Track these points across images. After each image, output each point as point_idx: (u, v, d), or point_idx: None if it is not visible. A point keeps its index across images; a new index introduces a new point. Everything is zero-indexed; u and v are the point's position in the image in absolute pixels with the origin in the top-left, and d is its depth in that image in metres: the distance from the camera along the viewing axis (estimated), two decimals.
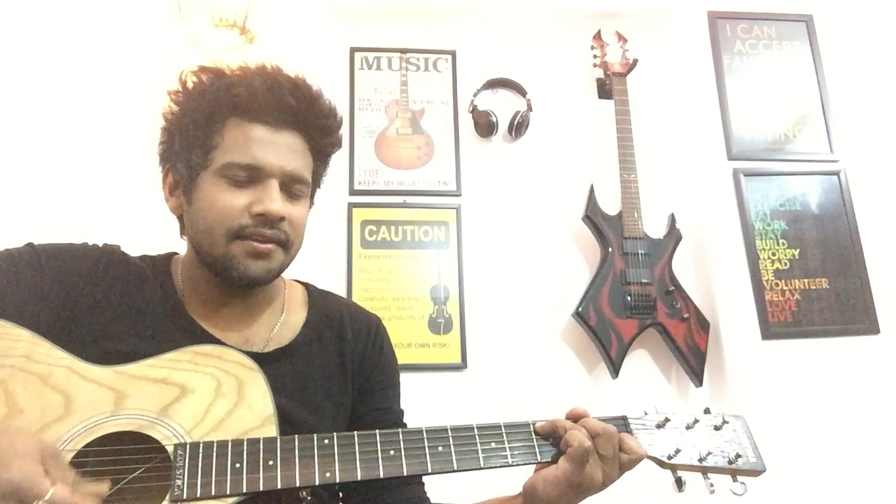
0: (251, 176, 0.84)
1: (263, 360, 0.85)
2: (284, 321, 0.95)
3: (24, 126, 2.03)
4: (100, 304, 0.84)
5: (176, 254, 0.96)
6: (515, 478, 0.85)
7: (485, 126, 2.30)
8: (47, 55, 2.10)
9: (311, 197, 0.95)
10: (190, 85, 0.87)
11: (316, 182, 0.95)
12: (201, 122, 0.85)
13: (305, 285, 1.03)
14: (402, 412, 1.01)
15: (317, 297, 1.01)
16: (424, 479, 0.96)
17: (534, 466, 0.83)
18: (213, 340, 0.87)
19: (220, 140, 0.84)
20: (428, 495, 0.96)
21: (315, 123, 0.89)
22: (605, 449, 0.79)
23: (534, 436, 0.82)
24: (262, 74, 0.86)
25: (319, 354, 0.94)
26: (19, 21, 2.11)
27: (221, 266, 0.85)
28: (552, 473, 0.80)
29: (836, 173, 2.33)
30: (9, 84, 2.05)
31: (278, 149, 0.85)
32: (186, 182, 0.86)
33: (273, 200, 0.83)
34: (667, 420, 0.87)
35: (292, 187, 0.87)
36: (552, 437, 0.82)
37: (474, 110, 2.32)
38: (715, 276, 2.23)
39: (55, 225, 1.79)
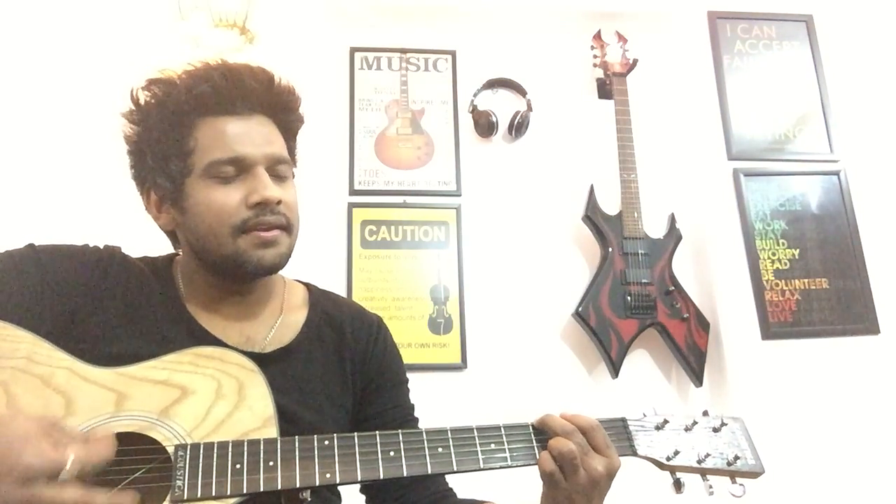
0: (238, 169, 0.85)
1: (264, 360, 0.85)
2: (284, 321, 0.95)
3: (24, 127, 2.03)
4: (101, 306, 0.84)
5: (177, 255, 0.96)
6: (515, 479, 0.85)
7: (485, 126, 2.30)
8: (47, 55, 2.10)
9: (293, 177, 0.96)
10: (143, 101, 0.87)
11: (293, 160, 0.96)
12: (170, 132, 0.85)
13: (307, 285, 1.03)
14: (412, 406, 1.02)
15: (318, 297, 1.01)
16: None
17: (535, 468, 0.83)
18: (214, 341, 0.87)
19: (194, 143, 0.84)
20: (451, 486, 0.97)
21: (278, 103, 0.90)
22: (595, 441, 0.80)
23: (533, 437, 0.82)
24: (216, 68, 0.86)
25: (320, 354, 0.94)
26: (19, 22, 2.11)
27: (233, 263, 0.85)
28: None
29: (836, 173, 2.33)
30: (9, 85, 2.05)
31: (254, 135, 0.86)
32: (172, 194, 0.86)
33: (266, 186, 0.84)
34: (665, 422, 0.87)
35: (277, 169, 0.88)
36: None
37: (474, 110, 2.32)
38: (715, 276, 2.23)
39: (56, 226, 1.79)
